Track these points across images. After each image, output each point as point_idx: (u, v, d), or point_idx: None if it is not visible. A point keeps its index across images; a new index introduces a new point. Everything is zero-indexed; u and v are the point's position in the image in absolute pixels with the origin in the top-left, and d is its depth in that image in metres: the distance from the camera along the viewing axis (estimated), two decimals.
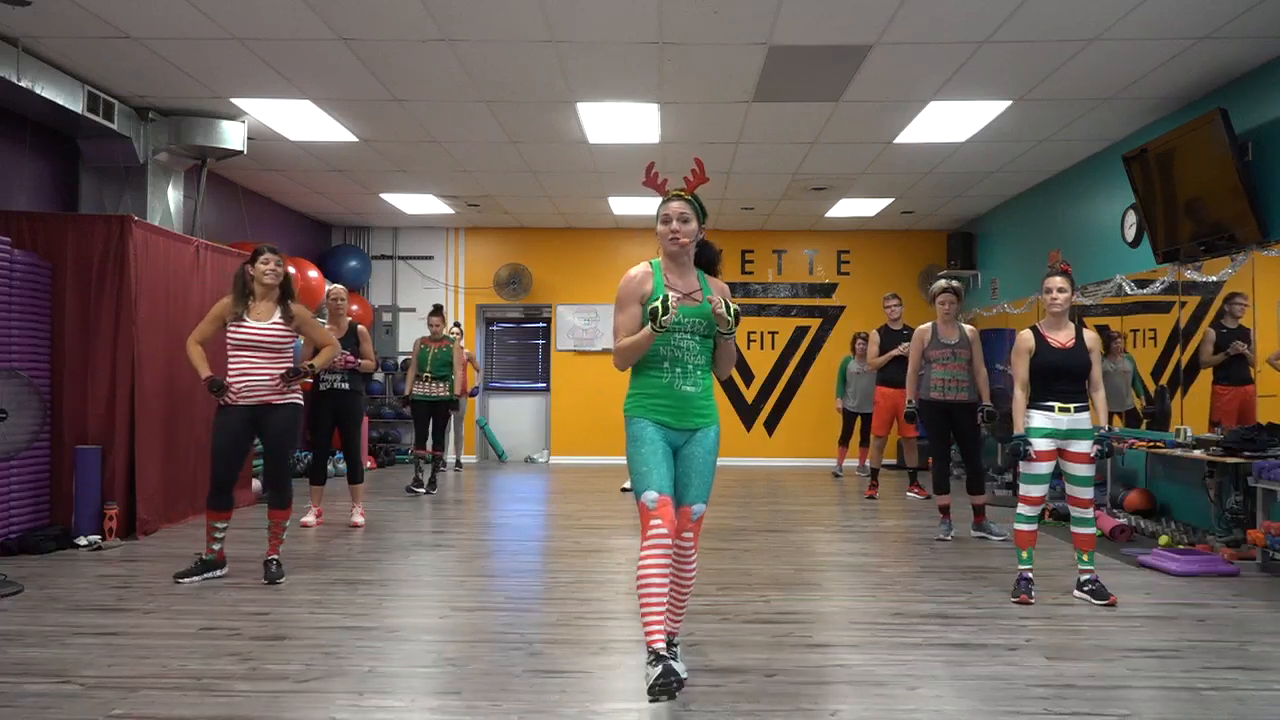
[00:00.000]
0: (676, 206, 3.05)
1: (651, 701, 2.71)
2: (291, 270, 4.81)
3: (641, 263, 3.15)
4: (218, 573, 4.59)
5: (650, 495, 2.90)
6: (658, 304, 2.86)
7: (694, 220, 3.06)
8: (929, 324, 6.01)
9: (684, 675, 2.91)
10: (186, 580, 4.47)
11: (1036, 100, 6.26)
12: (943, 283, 5.98)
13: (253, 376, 4.48)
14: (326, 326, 6.33)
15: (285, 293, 4.65)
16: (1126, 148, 6.72)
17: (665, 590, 2.82)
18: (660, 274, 3.08)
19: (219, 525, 4.55)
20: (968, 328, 5.98)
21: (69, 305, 5.75)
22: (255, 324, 4.50)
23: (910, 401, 6.10)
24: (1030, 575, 4.36)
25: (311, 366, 4.67)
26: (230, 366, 4.52)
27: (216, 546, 4.57)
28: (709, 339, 3.09)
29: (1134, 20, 4.91)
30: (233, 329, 4.49)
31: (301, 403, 4.68)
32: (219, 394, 4.44)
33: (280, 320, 4.57)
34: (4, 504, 5.26)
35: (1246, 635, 3.76)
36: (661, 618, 2.79)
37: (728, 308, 2.97)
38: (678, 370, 3.02)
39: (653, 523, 2.86)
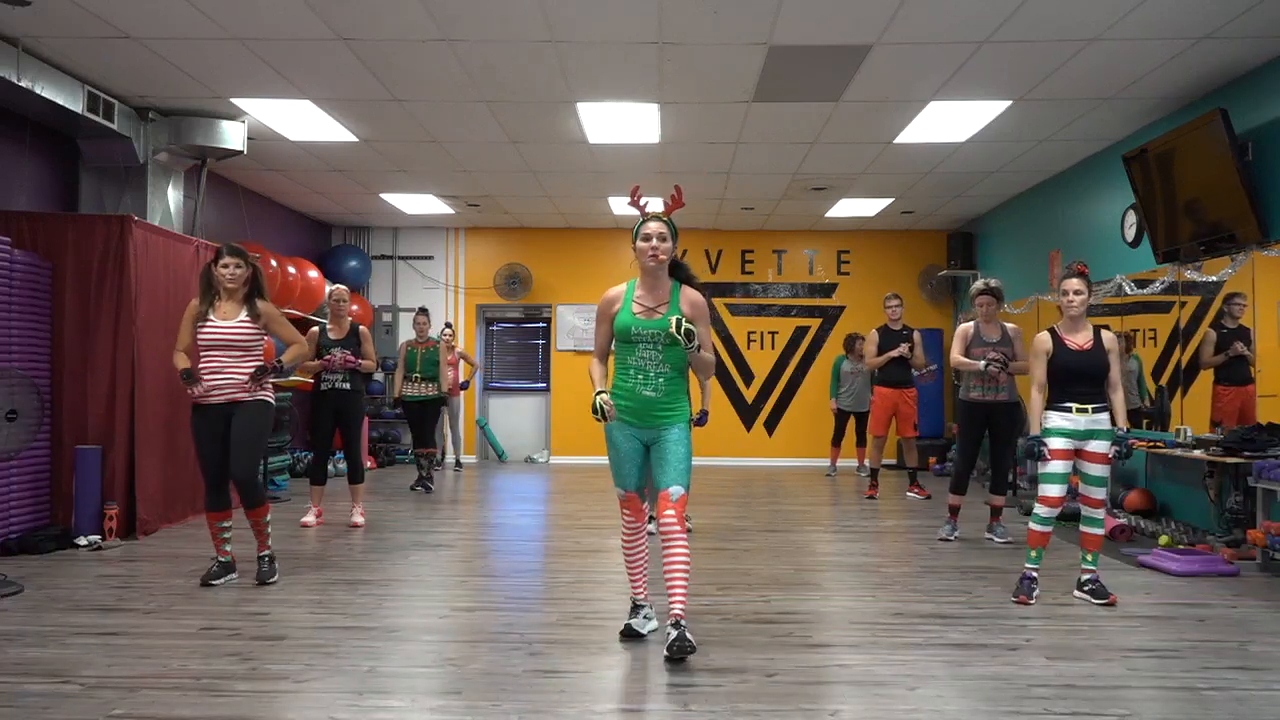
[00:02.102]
0: (655, 226, 3.45)
1: (621, 637, 3.56)
2: (257, 258, 4.71)
3: (621, 284, 3.58)
4: (232, 576, 4.56)
5: (619, 492, 3.64)
6: (597, 405, 3.34)
7: (670, 239, 3.46)
8: (972, 322, 5.95)
9: (692, 640, 3.32)
10: (216, 582, 4.44)
11: (1036, 100, 6.26)
12: (980, 284, 5.90)
13: (222, 375, 4.44)
14: (329, 327, 6.34)
15: (254, 290, 4.59)
16: (1126, 148, 6.72)
17: (642, 556, 3.66)
18: (631, 292, 3.52)
19: (223, 525, 4.53)
20: (1010, 326, 5.88)
21: (69, 305, 5.74)
22: (221, 323, 4.46)
23: (982, 364, 5.66)
24: (1035, 575, 4.34)
25: (279, 364, 4.60)
26: (201, 366, 4.48)
27: (227, 549, 4.55)
28: (675, 347, 3.41)
29: (1134, 20, 4.91)
30: (200, 328, 4.45)
31: (272, 401, 4.62)
32: (190, 384, 4.38)
33: (247, 318, 4.52)
34: (4, 504, 5.26)
35: (1246, 635, 3.76)
36: (636, 578, 3.68)
37: (679, 327, 3.29)
38: (640, 377, 3.46)
39: (624, 513, 3.69)
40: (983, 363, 5.70)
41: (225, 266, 4.49)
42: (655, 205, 3.60)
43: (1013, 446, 5.99)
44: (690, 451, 3.49)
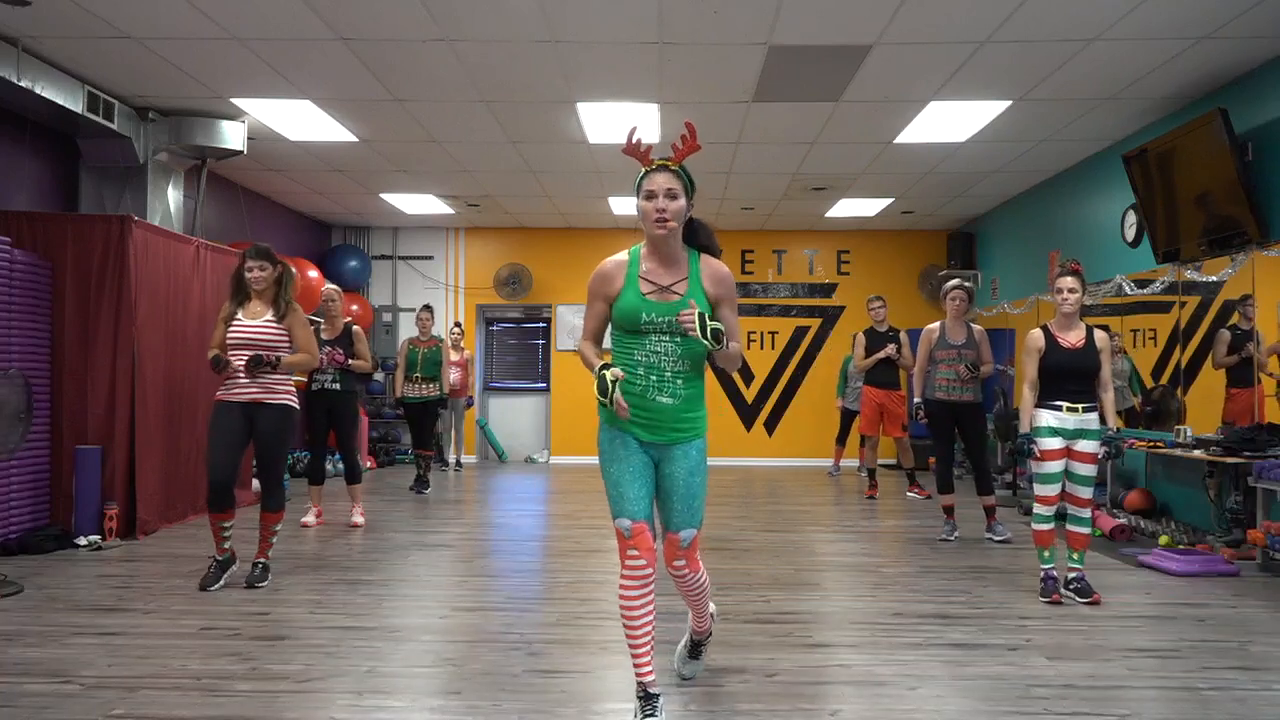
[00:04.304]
0: (662, 179, 2.61)
1: None
2: (291, 270, 4.75)
3: (621, 251, 2.75)
4: (234, 568, 4.53)
5: (624, 523, 2.62)
6: (605, 380, 2.54)
7: (682, 196, 2.62)
8: (938, 323, 6.01)
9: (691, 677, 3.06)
10: (213, 587, 4.38)
11: (1036, 100, 6.25)
12: (955, 280, 6.01)
13: (244, 375, 4.46)
14: (322, 327, 6.34)
15: (281, 291, 4.61)
16: (1126, 148, 6.72)
17: (649, 622, 2.64)
18: (637, 265, 2.69)
19: (224, 525, 4.49)
20: (976, 328, 5.98)
21: (69, 305, 5.74)
22: (248, 322, 4.49)
23: (916, 401, 6.08)
24: (1055, 574, 4.36)
25: (277, 360, 4.52)
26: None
27: (226, 545, 4.52)
28: (692, 340, 2.60)
29: (1134, 20, 4.91)
30: (229, 328, 4.49)
31: (294, 404, 4.62)
32: (219, 369, 4.38)
33: (272, 319, 4.54)
34: (4, 504, 5.26)
35: (1246, 635, 3.76)
36: (647, 651, 2.64)
37: (703, 327, 2.48)
38: (653, 378, 2.64)
39: (629, 553, 2.62)
40: (916, 402, 6.03)
41: (250, 270, 4.52)
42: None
43: (986, 445, 6.07)
44: (706, 475, 2.76)
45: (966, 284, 5.98)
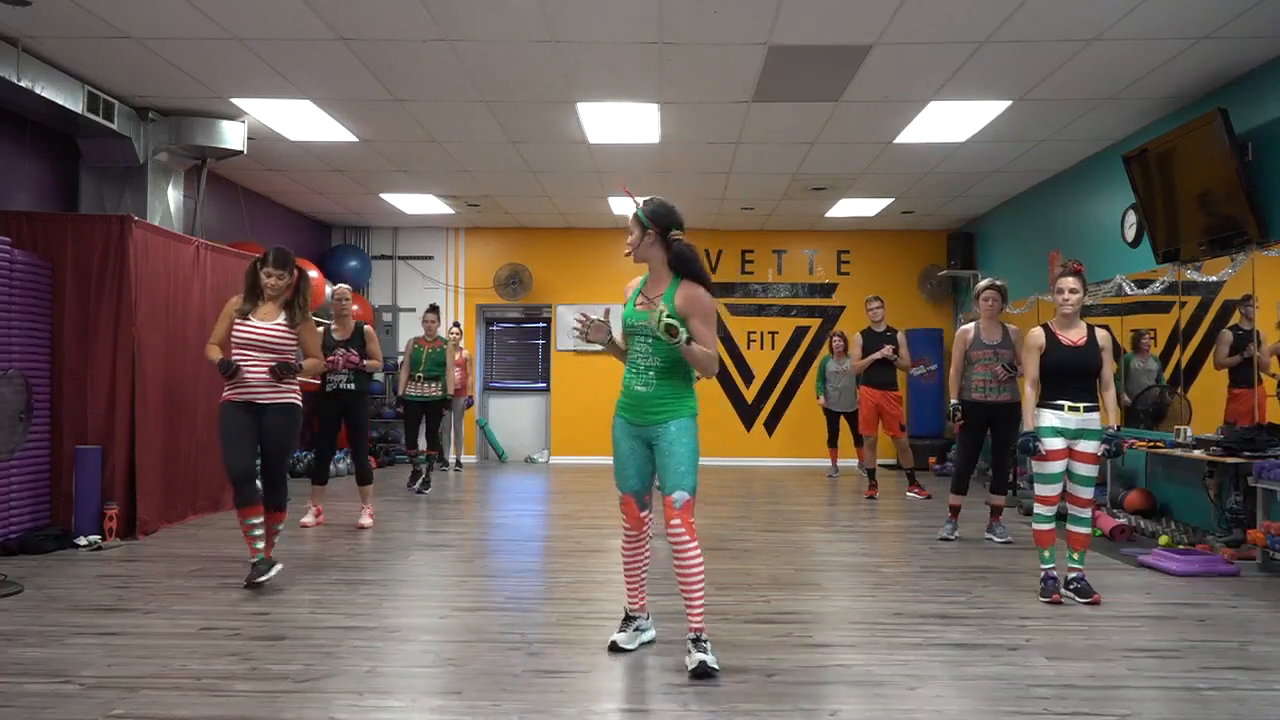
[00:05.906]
0: (630, 221, 3.39)
1: (609, 650, 3.37)
2: (309, 276, 4.72)
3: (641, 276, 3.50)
4: (278, 566, 4.45)
5: (619, 495, 3.48)
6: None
7: (636, 230, 3.35)
8: (972, 324, 5.95)
9: (715, 666, 3.18)
10: (263, 579, 4.31)
11: (1036, 100, 6.26)
12: (986, 280, 5.96)
13: (251, 375, 4.45)
14: (333, 328, 6.35)
15: (296, 297, 4.59)
16: (1126, 148, 6.72)
17: (636, 572, 3.48)
18: (643, 284, 3.44)
19: (253, 522, 4.40)
20: (1012, 327, 5.89)
21: (69, 305, 5.74)
22: (258, 323, 4.48)
23: (954, 403, 5.94)
24: (1055, 575, 4.35)
25: (300, 365, 4.58)
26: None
27: (259, 546, 4.42)
28: (663, 342, 3.23)
29: (1134, 20, 4.91)
30: (237, 325, 4.47)
31: (299, 403, 4.62)
32: (229, 375, 4.38)
33: (284, 323, 4.54)
34: (4, 504, 5.26)
35: (1246, 635, 3.76)
36: (632, 587, 3.51)
37: (659, 320, 3.10)
38: (633, 371, 3.37)
39: (622, 516, 3.48)
40: (952, 403, 5.91)
41: (269, 276, 4.49)
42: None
43: (1012, 446, 6.02)
44: (693, 449, 3.28)
45: (999, 283, 5.91)
